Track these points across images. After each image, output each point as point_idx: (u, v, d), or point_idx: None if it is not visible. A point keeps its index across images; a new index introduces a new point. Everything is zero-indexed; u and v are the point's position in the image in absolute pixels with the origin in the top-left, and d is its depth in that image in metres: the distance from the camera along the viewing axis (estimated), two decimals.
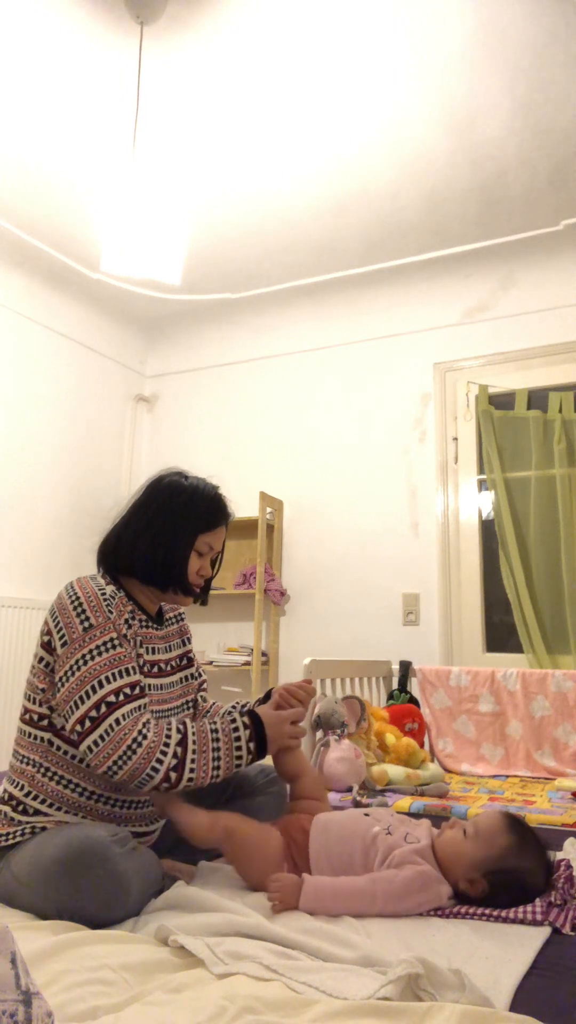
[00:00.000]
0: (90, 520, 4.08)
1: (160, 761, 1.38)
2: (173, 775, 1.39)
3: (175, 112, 2.81)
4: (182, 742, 1.42)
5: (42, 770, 1.45)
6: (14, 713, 3.42)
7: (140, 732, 1.38)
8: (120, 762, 1.36)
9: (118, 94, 2.71)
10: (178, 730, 1.44)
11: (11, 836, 1.41)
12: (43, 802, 1.43)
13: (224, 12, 2.40)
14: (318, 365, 4.09)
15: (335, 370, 4.04)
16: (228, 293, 4.16)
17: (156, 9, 2.36)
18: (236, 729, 1.49)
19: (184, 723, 1.47)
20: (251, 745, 1.49)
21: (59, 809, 1.43)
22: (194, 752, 1.42)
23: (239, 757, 1.48)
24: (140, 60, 2.53)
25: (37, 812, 1.43)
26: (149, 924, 1.25)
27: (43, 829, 1.40)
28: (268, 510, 3.88)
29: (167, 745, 1.40)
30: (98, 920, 1.26)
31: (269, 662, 3.84)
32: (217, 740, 1.46)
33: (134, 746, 1.37)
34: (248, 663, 3.75)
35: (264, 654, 3.83)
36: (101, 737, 1.37)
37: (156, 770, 1.38)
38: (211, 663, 3.80)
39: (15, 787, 1.46)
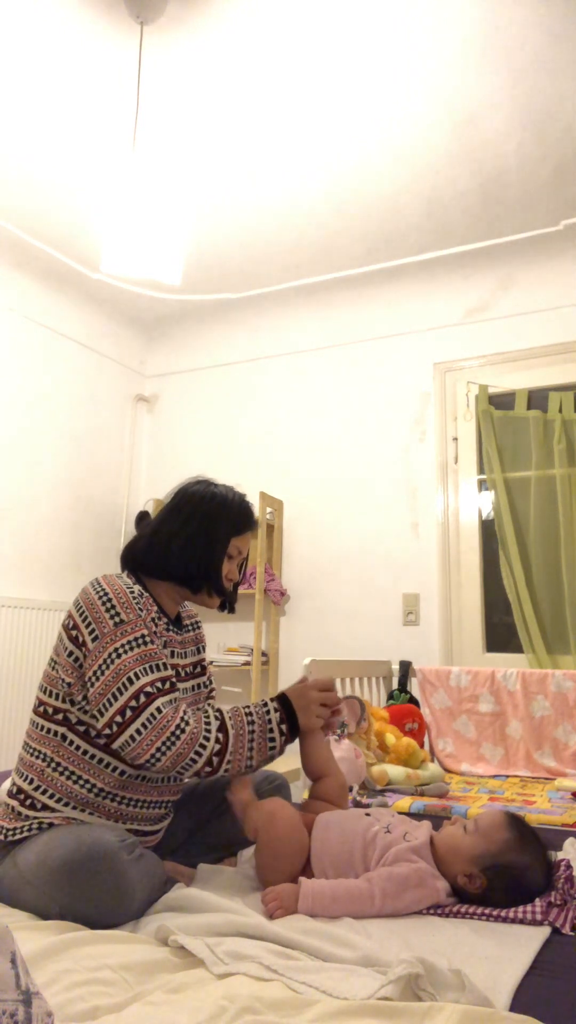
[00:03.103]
0: (90, 520, 4.09)
1: (203, 747, 1.41)
2: (216, 759, 1.42)
3: (175, 112, 2.81)
4: (222, 728, 1.45)
5: (52, 764, 1.45)
6: (15, 712, 3.42)
7: (183, 719, 1.41)
8: (164, 748, 1.38)
9: (118, 94, 2.71)
10: (216, 716, 1.47)
11: (18, 831, 1.41)
12: (51, 797, 1.43)
13: (224, 12, 2.40)
14: (318, 365, 4.09)
15: (335, 370, 4.04)
16: (228, 293, 4.16)
17: (156, 9, 2.36)
18: (267, 712, 1.51)
19: (220, 710, 1.49)
20: (283, 727, 1.51)
21: (67, 805, 1.43)
22: (233, 738, 1.45)
23: (272, 740, 1.50)
24: (140, 60, 2.53)
25: (44, 807, 1.43)
26: (149, 925, 1.25)
27: (50, 825, 1.40)
28: (268, 510, 3.88)
29: (208, 731, 1.43)
30: (100, 924, 1.26)
31: (269, 662, 3.84)
32: (252, 724, 1.49)
33: (178, 732, 1.39)
34: (248, 663, 3.75)
35: (264, 654, 3.83)
36: (144, 725, 1.38)
37: (200, 755, 1.41)
38: (211, 663, 3.80)
39: (23, 780, 1.46)
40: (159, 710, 1.40)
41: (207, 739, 1.42)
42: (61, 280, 3.95)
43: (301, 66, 2.59)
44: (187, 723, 1.41)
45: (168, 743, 1.38)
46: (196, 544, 1.60)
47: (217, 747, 1.43)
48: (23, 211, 3.41)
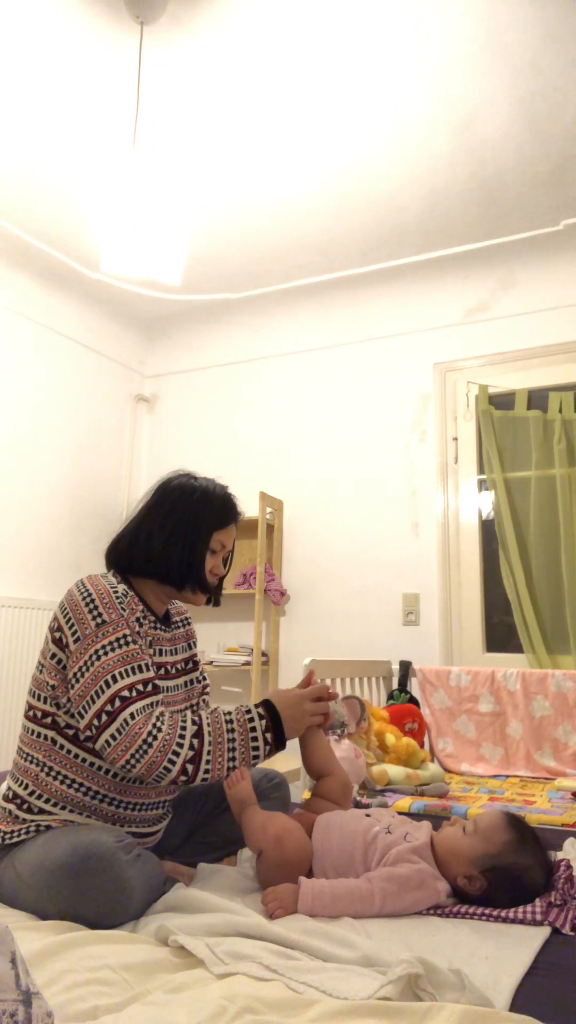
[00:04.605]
0: (90, 520, 4.09)
1: (176, 753, 1.38)
2: (190, 767, 1.38)
3: (175, 112, 2.82)
4: (198, 734, 1.41)
5: (46, 769, 1.45)
6: (14, 711, 3.42)
7: (155, 725, 1.38)
8: (137, 755, 1.36)
9: (118, 94, 2.71)
10: (193, 722, 1.42)
11: (16, 834, 1.41)
12: (47, 801, 1.43)
13: (224, 12, 2.40)
14: (318, 365, 4.09)
15: (335, 370, 4.04)
16: (228, 293, 4.16)
17: (156, 9, 2.36)
18: (251, 720, 1.45)
19: (199, 715, 1.45)
20: (268, 736, 1.45)
21: (63, 808, 1.43)
22: (210, 744, 1.41)
23: (256, 749, 1.44)
24: (140, 60, 2.53)
25: (42, 811, 1.43)
26: (149, 925, 1.25)
27: (48, 828, 1.40)
28: (268, 510, 3.88)
29: (183, 737, 1.39)
30: (100, 925, 1.25)
31: (269, 662, 3.84)
32: (232, 732, 1.44)
33: (149, 739, 1.36)
34: (248, 663, 3.75)
35: (264, 654, 3.83)
36: (118, 731, 1.37)
37: (173, 763, 1.37)
38: (211, 663, 3.80)
39: (19, 786, 1.46)
40: (132, 716, 1.37)
41: (180, 746, 1.38)
42: (61, 280, 3.95)
43: (301, 66, 2.59)
44: (159, 730, 1.37)
45: (140, 751, 1.36)
46: (177, 541, 1.56)
47: (191, 754, 1.38)
48: (23, 211, 3.41)
